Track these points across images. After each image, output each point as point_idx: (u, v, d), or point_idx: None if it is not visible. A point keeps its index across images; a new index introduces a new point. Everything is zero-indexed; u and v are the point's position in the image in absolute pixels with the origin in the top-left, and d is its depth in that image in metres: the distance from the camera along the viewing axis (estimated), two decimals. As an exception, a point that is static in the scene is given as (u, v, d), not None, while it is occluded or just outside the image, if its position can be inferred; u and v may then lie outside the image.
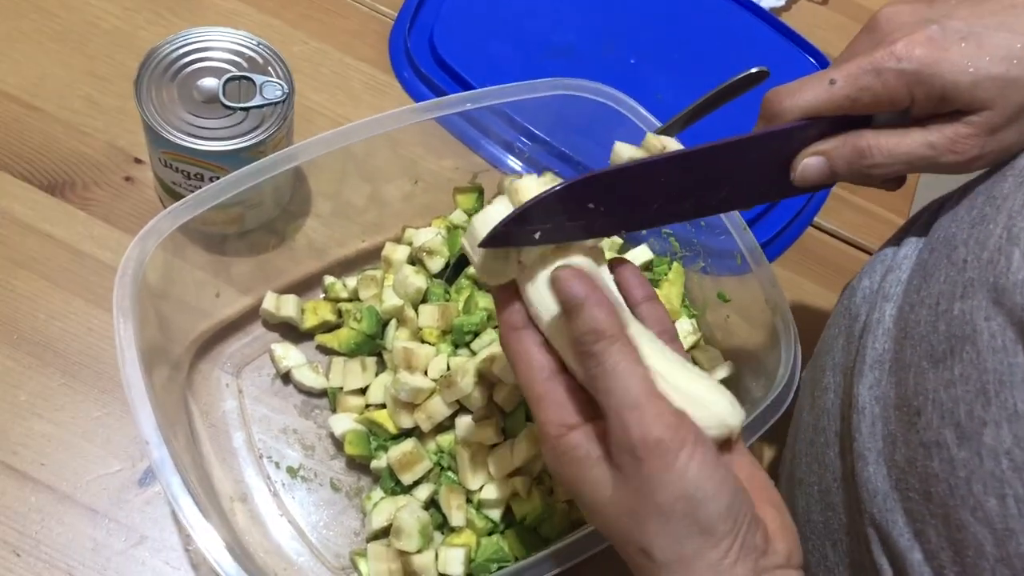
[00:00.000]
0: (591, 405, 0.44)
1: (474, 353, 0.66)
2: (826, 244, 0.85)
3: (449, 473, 0.65)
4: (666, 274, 0.73)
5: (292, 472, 0.66)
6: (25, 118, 0.75)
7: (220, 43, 0.68)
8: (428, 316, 0.67)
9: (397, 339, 0.67)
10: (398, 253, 0.70)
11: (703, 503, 0.41)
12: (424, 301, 0.68)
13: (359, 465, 0.67)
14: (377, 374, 0.68)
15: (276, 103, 0.66)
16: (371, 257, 0.74)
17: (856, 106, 0.50)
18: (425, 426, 0.64)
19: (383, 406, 0.66)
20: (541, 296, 0.45)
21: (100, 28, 0.80)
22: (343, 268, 0.74)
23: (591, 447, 0.44)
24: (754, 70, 0.59)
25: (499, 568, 0.62)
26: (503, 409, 0.64)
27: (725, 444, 0.45)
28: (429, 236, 0.71)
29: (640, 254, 0.74)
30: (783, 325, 0.62)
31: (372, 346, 0.68)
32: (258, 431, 0.67)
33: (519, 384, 0.47)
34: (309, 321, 0.70)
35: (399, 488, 0.64)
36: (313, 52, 0.84)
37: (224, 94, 0.66)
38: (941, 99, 0.48)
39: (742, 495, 0.42)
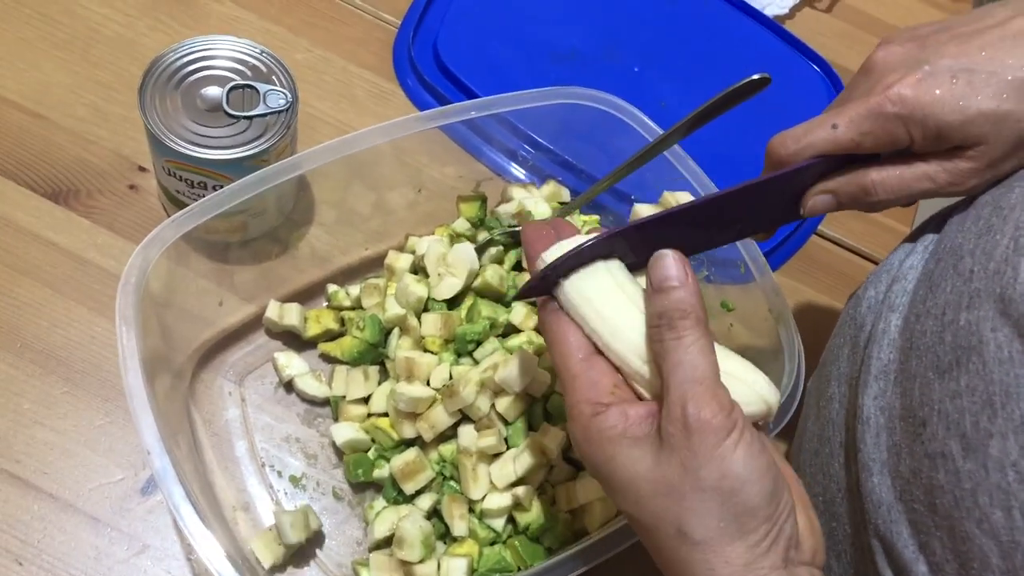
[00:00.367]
0: (623, 388, 0.45)
1: (477, 362, 0.66)
2: (830, 252, 0.85)
3: (451, 483, 0.65)
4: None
5: (294, 481, 0.66)
6: (29, 126, 0.75)
7: (224, 51, 0.68)
8: (431, 325, 0.67)
9: (399, 348, 0.67)
10: (401, 261, 0.70)
11: (746, 485, 0.41)
12: (427, 310, 0.68)
13: (361, 474, 0.67)
14: (380, 383, 0.68)
15: (280, 112, 0.66)
16: (374, 265, 0.74)
17: (860, 148, 0.51)
18: (427, 436, 0.64)
19: (386, 415, 0.66)
20: (580, 291, 0.47)
21: (103, 35, 0.81)
22: (346, 276, 0.73)
23: (627, 426, 0.44)
24: (755, 77, 0.59)
25: (502, 578, 0.61)
26: (506, 419, 0.64)
27: (761, 426, 0.46)
28: (431, 244, 0.70)
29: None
30: (787, 335, 0.62)
31: (375, 355, 0.68)
32: (260, 440, 0.67)
33: (554, 364, 0.47)
34: (312, 329, 0.70)
35: (401, 497, 0.64)
36: (317, 60, 0.84)
37: (228, 103, 0.66)
38: (937, 138, 0.49)
39: (784, 485, 0.42)
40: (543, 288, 0.47)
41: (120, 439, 0.65)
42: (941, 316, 0.47)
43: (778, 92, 0.62)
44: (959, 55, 0.49)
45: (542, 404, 0.64)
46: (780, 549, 0.42)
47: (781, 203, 0.55)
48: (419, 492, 0.64)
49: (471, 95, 0.81)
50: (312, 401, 0.69)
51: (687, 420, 0.42)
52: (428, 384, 0.65)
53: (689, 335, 0.43)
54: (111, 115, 0.77)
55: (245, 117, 0.66)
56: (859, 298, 0.56)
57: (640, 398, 0.45)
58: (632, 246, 0.48)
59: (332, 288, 0.71)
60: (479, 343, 0.66)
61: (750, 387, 0.45)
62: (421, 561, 0.61)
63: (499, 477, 0.62)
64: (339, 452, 0.67)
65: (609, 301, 0.46)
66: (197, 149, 0.64)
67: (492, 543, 0.63)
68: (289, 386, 0.69)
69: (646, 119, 0.68)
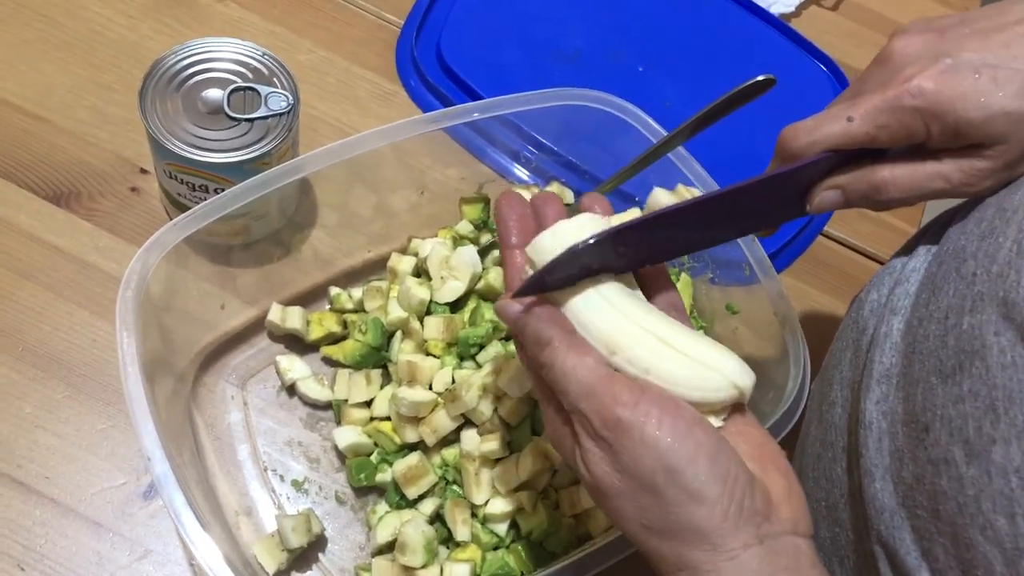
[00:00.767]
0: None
1: (479, 366, 0.65)
2: (836, 253, 0.84)
3: (454, 487, 0.64)
4: (675, 285, 0.72)
5: (297, 485, 0.66)
6: (30, 128, 0.75)
7: (225, 54, 0.67)
8: (433, 328, 0.66)
9: (402, 352, 0.67)
10: (403, 264, 0.70)
11: (682, 470, 0.41)
12: (429, 313, 0.68)
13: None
14: (382, 387, 0.67)
15: (281, 114, 0.66)
16: (377, 268, 0.74)
17: (875, 143, 0.50)
18: (430, 440, 0.64)
19: (388, 419, 0.66)
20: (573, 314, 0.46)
21: (105, 37, 0.80)
22: (349, 279, 0.73)
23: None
24: (760, 78, 0.59)
25: (505, 583, 0.61)
26: (508, 423, 0.63)
27: (737, 408, 0.45)
28: (434, 247, 0.70)
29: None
30: (792, 338, 0.61)
31: (377, 358, 0.68)
32: (263, 444, 0.67)
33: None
34: (315, 333, 0.69)
35: (404, 502, 0.64)
36: (319, 61, 0.83)
37: (229, 105, 0.65)
38: (955, 134, 0.48)
39: (728, 458, 0.42)
40: (549, 285, 0.46)
41: (122, 443, 0.65)
42: (944, 320, 0.46)
43: (784, 92, 0.62)
44: (982, 49, 0.47)
45: (545, 408, 0.64)
46: (751, 526, 0.41)
47: (788, 199, 0.54)
48: (422, 497, 0.64)
49: (474, 96, 0.81)
50: (314, 405, 0.68)
51: (599, 433, 0.42)
52: (431, 388, 0.65)
53: (557, 360, 0.43)
54: (112, 117, 0.77)
55: (246, 120, 0.65)
56: (862, 301, 0.56)
57: None
58: (633, 243, 0.47)
59: (334, 291, 0.71)
60: (482, 346, 0.66)
61: (719, 372, 0.44)
62: (424, 566, 0.61)
63: (502, 482, 0.62)
64: (341, 456, 0.67)
65: (605, 323, 0.45)
66: (198, 152, 0.64)
67: (495, 548, 0.63)
68: (291, 390, 0.69)
69: (650, 120, 0.67)
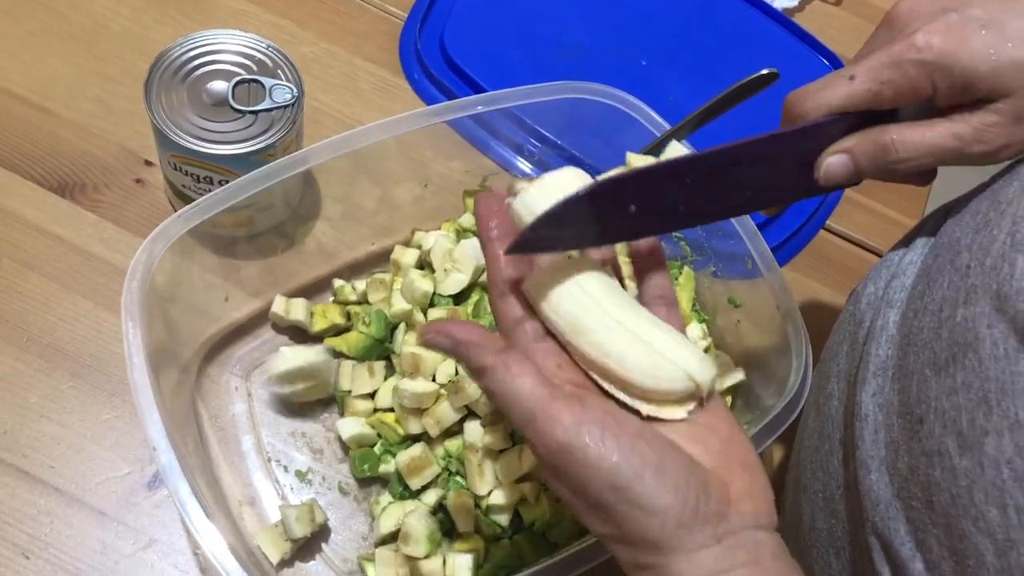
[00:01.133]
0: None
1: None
2: (838, 247, 0.85)
3: (457, 478, 0.64)
4: (677, 278, 0.72)
5: (300, 476, 0.66)
6: (35, 119, 0.75)
7: (229, 46, 0.68)
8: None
9: (405, 343, 0.67)
10: (407, 256, 0.70)
11: (628, 486, 0.40)
12: (433, 305, 0.68)
13: (367, 469, 0.67)
14: (386, 378, 0.68)
15: (285, 106, 0.66)
16: (380, 260, 0.74)
17: (878, 100, 0.49)
18: (433, 431, 0.64)
19: (392, 410, 0.66)
20: (554, 304, 0.45)
21: (110, 29, 0.80)
22: (352, 271, 0.73)
23: None
24: (764, 72, 0.59)
25: (507, 574, 0.61)
26: (511, 414, 0.63)
27: (709, 400, 0.45)
28: (437, 240, 0.70)
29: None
30: (794, 332, 0.61)
31: (381, 350, 0.68)
32: (267, 435, 0.67)
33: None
34: (318, 324, 0.70)
35: (407, 493, 0.64)
36: (322, 53, 0.83)
37: (233, 97, 0.66)
38: (963, 88, 0.47)
39: (677, 466, 0.41)
40: (544, 242, 0.44)
41: (126, 433, 0.65)
42: (938, 312, 0.46)
43: (787, 87, 0.61)
44: (988, 5, 0.47)
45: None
46: (708, 528, 0.41)
47: (797, 168, 0.52)
48: (425, 487, 0.64)
49: (478, 89, 0.81)
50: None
51: (543, 460, 0.42)
52: (434, 379, 0.65)
53: (496, 385, 0.42)
54: (117, 109, 0.77)
55: (251, 112, 0.66)
56: (859, 294, 0.56)
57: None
58: (624, 202, 0.45)
59: (338, 283, 0.71)
60: (485, 338, 0.66)
61: (674, 363, 0.43)
62: (427, 557, 0.61)
63: (505, 473, 0.62)
64: (345, 447, 0.67)
65: (591, 323, 0.44)
66: (203, 144, 0.64)
67: (498, 539, 0.63)
68: (295, 381, 0.69)
69: (654, 114, 0.67)
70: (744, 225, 0.65)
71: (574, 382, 0.44)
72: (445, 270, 0.68)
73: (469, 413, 0.64)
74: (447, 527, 0.64)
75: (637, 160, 0.48)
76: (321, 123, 0.80)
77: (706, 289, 0.73)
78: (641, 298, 0.49)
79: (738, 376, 0.67)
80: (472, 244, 0.68)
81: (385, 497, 0.65)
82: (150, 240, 0.57)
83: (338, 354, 0.70)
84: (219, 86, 0.66)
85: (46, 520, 0.62)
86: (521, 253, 0.45)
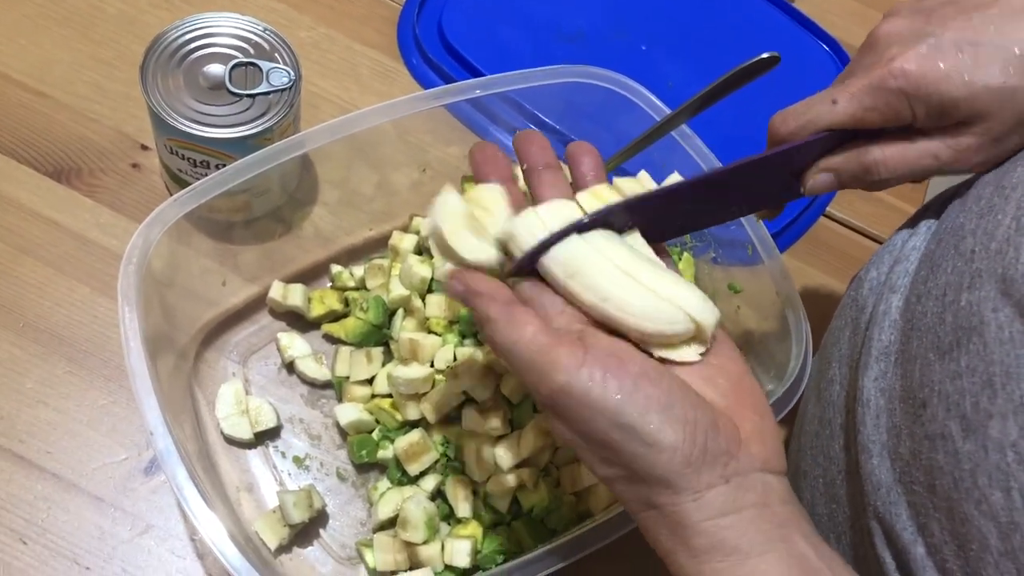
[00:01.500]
0: None
1: (481, 344, 0.65)
2: (838, 234, 0.84)
3: (456, 464, 0.64)
4: (677, 264, 0.72)
5: (298, 462, 0.66)
6: (31, 104, 0.75)
7: (226, 29, 0.67)
8: (435, 306, 0.66)
9: (404, 329, 0.67)
10: (405, 242, 0.70)
11: (634, 424, 0.41)
12: (431, 291, 0.68)
13: (365, 455, 0.67)
14: (384, 364, 0.67)
15: (283, 90, 0.66)
16: (379, 246, 0.74)
17: (862, 124, 0.50)
18: (431, 417, 0.64)
19: (389, 396, 0.66)
20: (551, 252, 0.45)
21: (105, 12, 0.80)
22: (350, 257, 0.73)
23: None
24: (765, 56, 0.58)
25: (506, 560, 0.61)
26: (510, 400, 0.63)
27: (720, 342, 0.45)
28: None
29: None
30: (794, 318, 0.61)
31: (379, 336, 0.68)
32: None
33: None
34: (316, 310, 0.69)
35: (405, 479, 0.64)
36: (320, 38, 0.83)
37: (230, 81, 0.65)
38: (941, 113, 0.48)
39: (684, 404, 0.42)
40: (533, 260, 0.45)
41: (123, 419, 0.65)
42: (942, 297, 0.46)
43: (787, 71, 0.61)
44: (965, 28, 0.48)
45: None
46: (717, 466, 0.41)
47: (783, 180, 0.54)
48: (423, 473, 0.64)
49: (476, 74, 0.80)
50: (314, 383, 0.68)
51: (545, 403, 0.42)
52: (432, 366, 0.65)
53: (498, 336, 0.43)
54: (113, 93, 0.76)
55: (248, 95, 0.65)
56: (861, 279, 0.56)
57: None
58: (629, 220, 0.47)
59: (336, 268, 0.71)
60: (483, 324, 0.66)
61: (676, 305, 0.44)
62: (425, 542, 0.61)
63: (503, 459, 0.62)
64: (343, 433, 0.67)
65: (599, 272, 0.45)
66: (199, 128, 0.64)
67: (496, 525, 0.63)
68: (292, 367, 0.69)
69: (653, 98, 0.67)
70: (744, 211, 0.65)
71: (583, 322, 0.44)
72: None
73: (467, 399, 0.64)
74: (445, 513, 0.64)
75: (626, 184, 0.49)
76: (319, 108, 0.79)
77: (706, 275, 0.72)
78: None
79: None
80: (471, 230, 0.68)
81: (383, 483, 0.65)
82: (146, 224, 0.56)
83: (335, 340, 0.69)
84: (216, 69, 0.66)
85: (43, 506, 0.62)
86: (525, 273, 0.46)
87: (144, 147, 0.75)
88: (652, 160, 0.67)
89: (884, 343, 0.50)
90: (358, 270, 0.71)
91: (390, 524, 0.63)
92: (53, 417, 0.64)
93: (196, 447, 0.62)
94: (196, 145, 0.65)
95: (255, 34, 0.67)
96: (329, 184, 0.73)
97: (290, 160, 0.60)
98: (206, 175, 0.62)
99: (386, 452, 0.65)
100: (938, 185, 0.55)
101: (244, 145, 0.64)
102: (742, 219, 0.64)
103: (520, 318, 0.43)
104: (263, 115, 0.65)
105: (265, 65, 0.66)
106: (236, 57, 0.66)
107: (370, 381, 0.67)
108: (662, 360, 0.44)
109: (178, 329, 0.65)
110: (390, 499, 0.63)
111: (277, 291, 0.69)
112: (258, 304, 0.70)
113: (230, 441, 0.65)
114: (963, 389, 0.43)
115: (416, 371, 0.63)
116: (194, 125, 0.64)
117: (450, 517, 0.64)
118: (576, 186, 0.50)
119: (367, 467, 0.67)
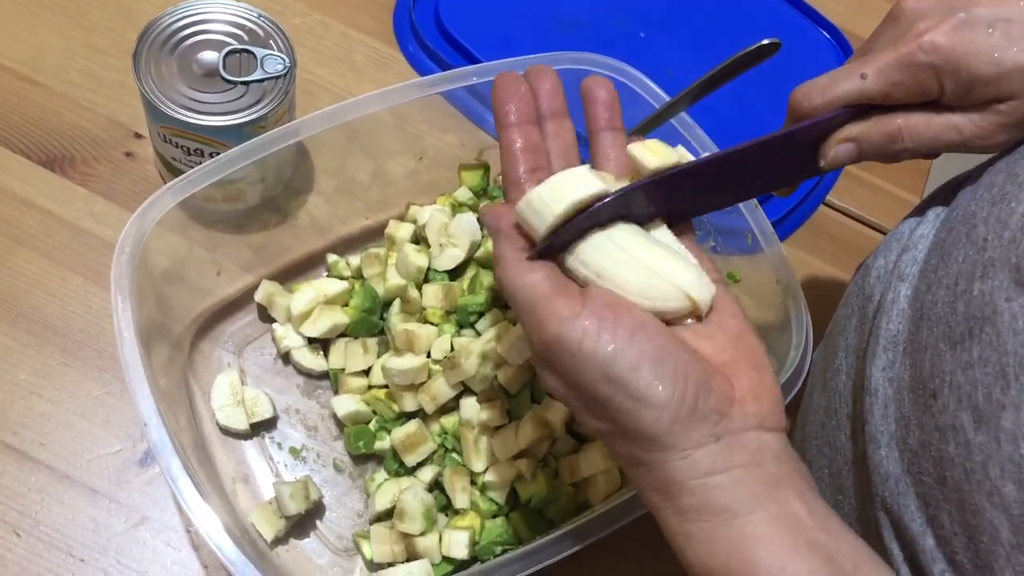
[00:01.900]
0: None
1: (479, 333, 0.65)
2: (838, 223, 0.84)
3: (453, 455, 0.64)
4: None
5: (295, 453, 0.65)
6: (24, 92, 0.74)
7: (220, 15, 0.66)
8: (432, 296, 0.66)
9: (400, 320, 0.66)
10: (402, 231, 0.69)
11: (623, 377, 0.40)
12: (427, 280, 0.67)
13: (362, 446, 0.66)
14: (380, 355, 0.67)
15: (277, 77, 0.65)
16: (375, 235, 0.73)
17: (889, 100, 0.49)
18: (429, 408, 0.63)
19: (386, 387, 0.65)
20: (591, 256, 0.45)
21: None
22: (346, 246, 0.72)
23: None
24: (765, 42, 0.58)
25: (504, 551, 0.61)
26: (508, 390, 0.63)
27: (696, 318, 0.45)
28: (432, 214, 0.69)
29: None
30: (795, 308, 0.61)
31: (372, 325, 0.67)
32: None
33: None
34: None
35: (403, 470, 0.64)
36: (315, 24, 0.82)
37: (224, 68, 0.64)
38: (969, 90, 0.47)
39: (676, 360, 0.41)
40: (564, 243, 0.45)
41: (118, 410, 0.65)
42: (953, 286, 0.46)
43: (788, 58, 0.61)
44: (995, 4, 0.47)
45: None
46: (706, 425, 0.41)
47: (801, 156, 0.53)
48: (421, 464, 0.64)
49: (473, 61, 0.80)
50: (310, 374, 0.68)
51: (538, 350, 0.42)
52: (429, 356, 0.64)
53: (506, 277, 0.44)
54: (106, 81, 0.76)
55: (242, 83, 0.64)
56: (868, 268, 0.55)
57: None
58: (648, 201, 0.47)
59: (332, 258, 0.70)
60: (481, 314, 0.65)
61: (671, 282, 0.43)
62: (422, 534, 0.61)
63: (501, 449, 0.62)
64: (340, 424, 0.66)
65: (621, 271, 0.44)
66: (193, 115, 0.63)
67: (494, 516, 0.63)
68: (288, 357, 0.68)
69: (653, 85, 0.66)
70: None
71: None
72: (440, 245, 0.67)
73: (465, 390, 0.64)
74: (443, 504, 0.63)
75: (639, 150, 0.48)
76: (314, 95, 0.79)
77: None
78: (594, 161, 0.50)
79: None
80: (468, 219, 0.68)
81: (380, 474, 0.64)
82: (140, 213, 0.56)
83: (332, 330, 0.69)
84: (209, 56, 0.65)
85: (37, 497, 0.61)
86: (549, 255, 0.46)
87: (138, 135, 0.74)
88: (651, 148, 0.66)
89: (892, 332, 0.49)
90: (354, 260, 0.70)
91: (387, 515, 0.62)
92: (47, 408, 0.64)
93: (191, 438, 0.61)
94: (190, 133, 0.64)
95: (249, 20, 0.67)
96: (325, 173, 0.73)
97: (285, 148, 0.60)
98: (200, 163, 0.61)
99: (383, 443, 0.64)
100: (938, 173, 0.55)
101: (238, 133, 0.64)
102: (741, 207, 0.64)
103: (530, 264, 0.43)
104: (257, 103, 0.64)
105: (259, 52, 0.65)
106: (230, 44, 0.65)
107: (366, 372, 0.67)
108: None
109: (173, 319, 0.65)
110: (387, 490, 0.62)
111: (263, 295, 0.68)
112: (253, 294, 0.69)
113: (226, 432, 0.65)
114: (975, 379, 0.43)
115: (410, 362, 0.62)
116: (188, 113, 0.63)
117: (448, 508, 0.63)
118: (590, 127, 0.51)
119: (364, 458, 0.66)
